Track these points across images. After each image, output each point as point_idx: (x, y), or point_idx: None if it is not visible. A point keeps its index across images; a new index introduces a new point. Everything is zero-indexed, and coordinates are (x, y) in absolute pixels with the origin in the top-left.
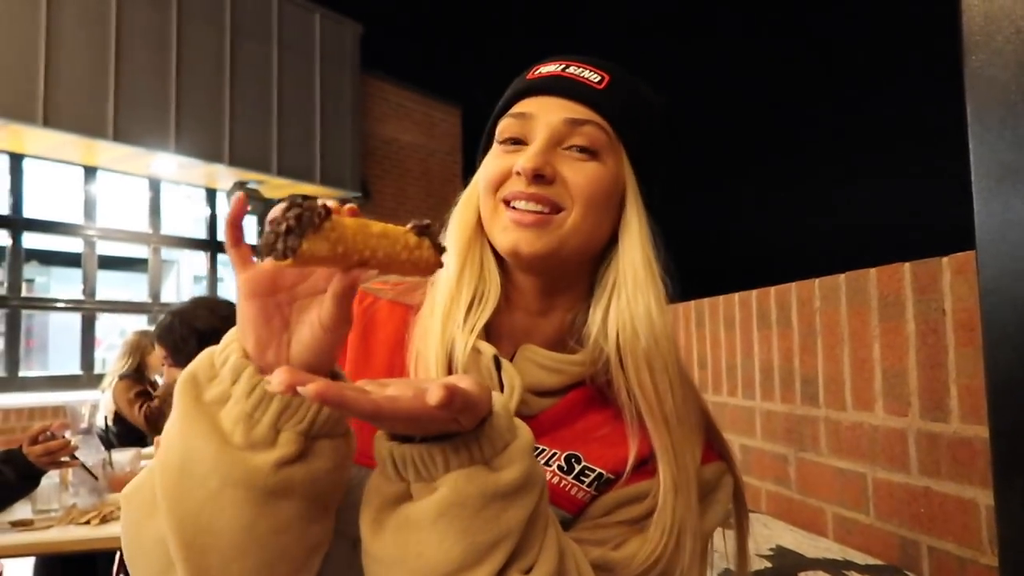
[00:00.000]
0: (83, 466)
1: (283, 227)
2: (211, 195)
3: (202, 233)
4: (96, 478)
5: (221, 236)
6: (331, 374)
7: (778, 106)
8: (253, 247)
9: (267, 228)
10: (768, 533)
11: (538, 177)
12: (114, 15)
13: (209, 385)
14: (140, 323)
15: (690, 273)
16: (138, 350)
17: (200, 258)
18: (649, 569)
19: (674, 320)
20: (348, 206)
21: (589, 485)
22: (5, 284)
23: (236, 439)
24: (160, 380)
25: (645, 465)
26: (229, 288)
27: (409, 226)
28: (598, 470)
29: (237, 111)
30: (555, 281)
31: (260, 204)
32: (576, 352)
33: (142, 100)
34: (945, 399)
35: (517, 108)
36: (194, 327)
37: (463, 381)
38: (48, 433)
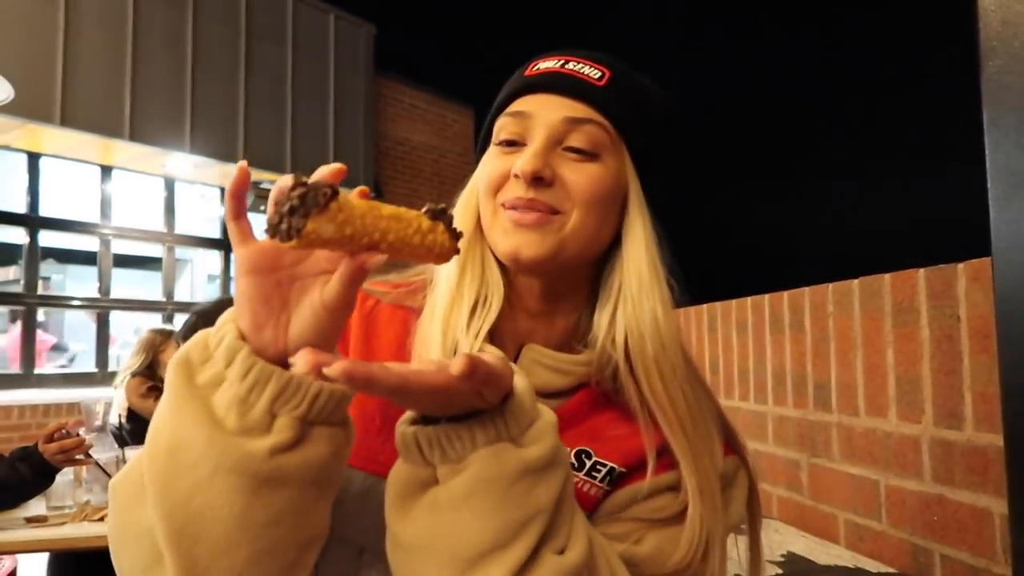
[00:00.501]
0: (97, 464)
1: (287, 207)
2: (225, 194)
3: (216, 232)
4: (110, 476)
5: None
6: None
7: (790, 111)
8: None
9: (270, 208)
10: (780, 539)
11: (537, 180)
12: (131, 16)
13: (202, 368)
14: (154, 321)
15: (703, 277)
16: (151, 348)
17: (214, 257)
18: (679, 574)
19: (686, 324)
20: (359, 188)
21: (602, 480)
22: (22, 282)
23: (229, 424)
24: None
25: (661, 457)
26: None
27: (423, 209)
28: (610, 464)
29: (251, 111)
30: (557, 284)
31: None
32: (581, 353)
33: (158, 100)
34: (959, 406)
35: (514, 107)
36: None
37: (487, 356)
38: (63, 431)
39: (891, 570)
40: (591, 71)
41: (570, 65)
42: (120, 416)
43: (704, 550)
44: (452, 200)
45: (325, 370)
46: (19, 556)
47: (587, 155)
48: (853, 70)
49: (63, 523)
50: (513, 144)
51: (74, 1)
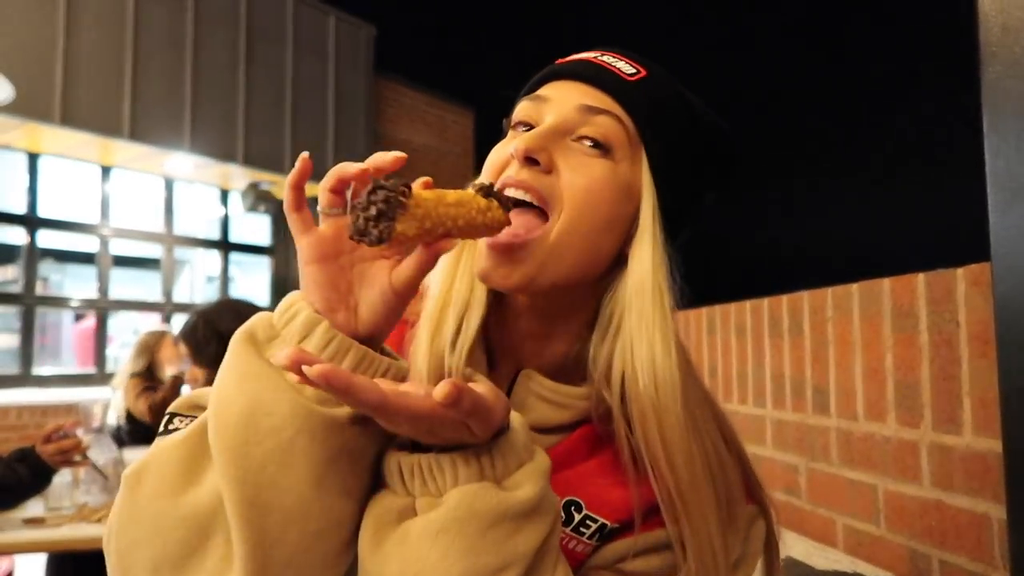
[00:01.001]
0: (94, 466)
1: (373, 211)
2: (224, 195)
3: (215, 233)
4: (106, 478)
5: (234, 236)
6: (382, 351)
7: (789, 115)
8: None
9: (354, 213)
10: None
11: (530, 161)
12: (131, 16)
13: (269, 344)
14: (153, 322)
15: (702, 280)
16: (148, 349)
17: (213, 257)
18: None
19: (685, 327)
20: (423, 179)
21: (591, 537)
22: (20, 282)
23: (308, 392)
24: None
25: (656, 515)
26: (241, 288)
27: (474, 189)
28: (600, 520)
29: (251, 112)
30: (552, 304)
31: (273, 204)
32: (583, 384)
33: (158, 100)
34: (958, 411)
35: (537, 92)
36: (217, 330)
37: (479, 386)
38: (61, 432)
39: (889, 575)
40: (625, 66)
41: (605, 57)
42: (118, 417)
43: None
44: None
45: (305, 369)
46: (16, 557)
47: (596, 148)
48: (852, 74)
49: (61, 524)
50: (525, 128)
51: (74, 1)
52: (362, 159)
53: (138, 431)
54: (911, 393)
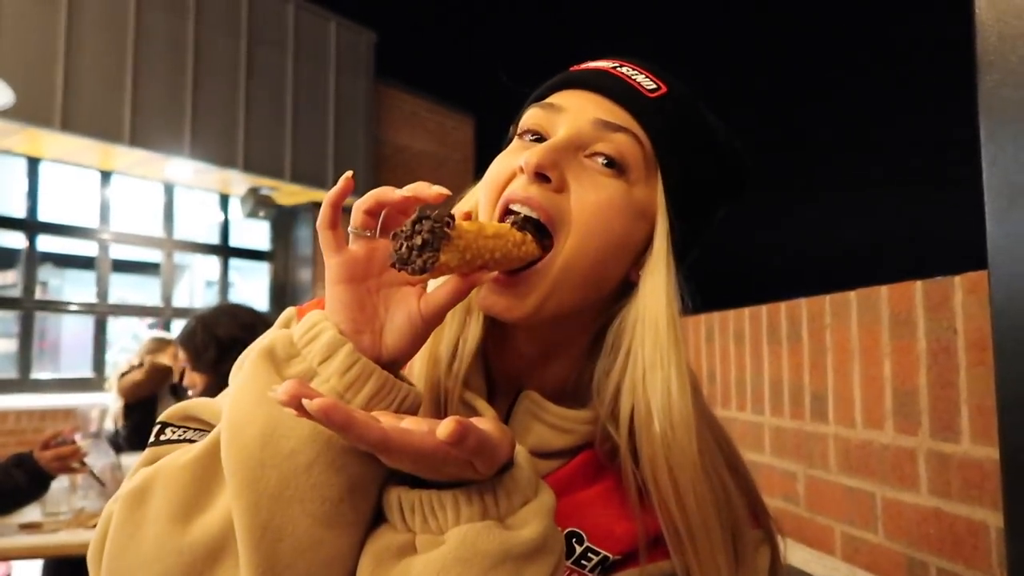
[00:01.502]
0: (92, 473)
1: (418, 240)
2: (224, 200)
3: (215, 238)
4: (103, 485)
5: (234, 241)
6: (399, 376)
7: (789, 122)
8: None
9: (397, 241)
10: None
11: (541, 177)
12: (132, 21)
13: (289, 363)
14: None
15: (701, 286)
16: (146, 352)
17: (213, 263)
18: None
19: (683, 334)
20: (465, 210)
21: (592, 570)
22: (19, 286)
23: None
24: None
25: (660, 545)
26: (240, 293)
27: (509, 222)
28: (603, 553)
29: (252, 117)
30: (554, 329)
31: (272, 210)
32: (586, 407)
33: (158, 105)
34: (956, 419)
35: (549, 99)
36: (215, 335)
37: (483, 423)
38: (60, 438)
39: None
40: (645, 80)
41: (624, 69)
42: (115, 420)
43: None
44: (451, 206)
45: (305, 403)
46: (13, 563)
47: (611, 167)
48: (850, 83)
49: (58, 529)
50: (535, 138)
51: (76, 6)
52: (362, 165)
53: (136, 435)
54: (909, 401)
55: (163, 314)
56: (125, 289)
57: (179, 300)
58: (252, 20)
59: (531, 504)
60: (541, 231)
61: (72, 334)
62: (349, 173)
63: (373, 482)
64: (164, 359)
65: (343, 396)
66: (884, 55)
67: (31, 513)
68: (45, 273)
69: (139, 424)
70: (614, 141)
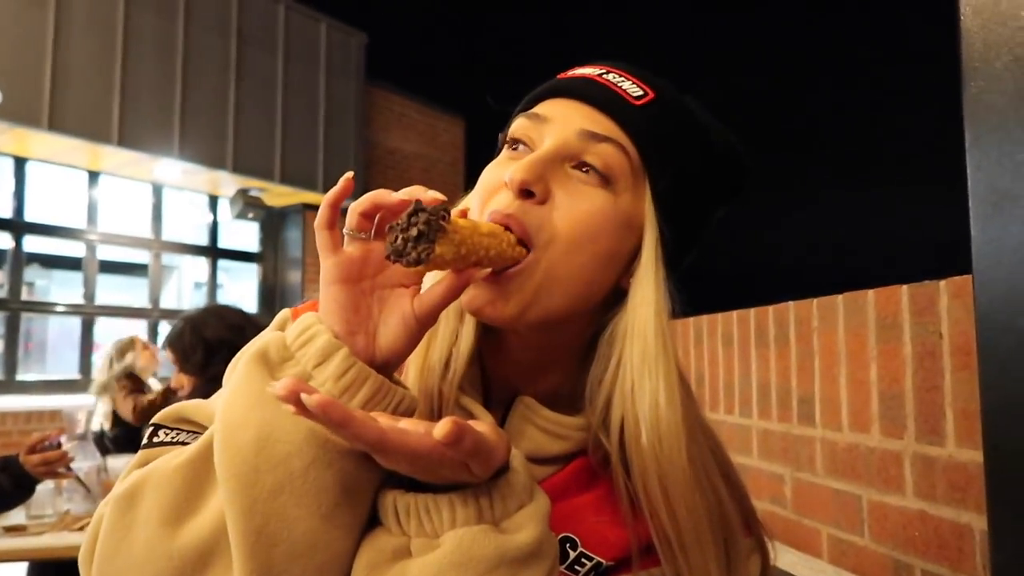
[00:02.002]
0: (77, 478)
1: (413, 232)
2: (213, 201)
3: (203, 239)
4: (88, 490)
5: (222, 243)
6: (393, 380)
7: (777, 125)
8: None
9: (392, 234)
10: None
11: (525, 193)
12: (121, 21)
13: (283, 366)
14: (139, 328)
15: (689, 290)
16: (123, 354)
17: (201, 264)
18: None
19: (672, 337)
20: (460, 208)
21: (585, 575)
22: (6, 287)
23: None
24: (153, 383)
25: (653, 552)
26: (229, 295)
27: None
28: (596, 559)
29: (241, 118)
30: (546, 335)
31: (261, 211)
32: (580, 413)
33: (147, 106)
34: (941, 422)
35: (535, 108)
36: (203, 336)
37: (480, 425)
38: (46, 443)
39: None
40: (632, 87)
41: (610, 76)
42: (103, 422)
43: None
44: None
45: (304, 398)
46: None
47: (597, 178)
48: (837, 88)
49: (42, 532)
50: (522, 146)
51: (64, 5)
52: (352, 166)
53: (123, 436)
54: (895, 404)
55: (151, 316)
56: (113, 290)
57: (167, 302)
58: (242, 21)
59: (526, 508)
60: None
61: (59, 335)
62: (350, 174)
63: (368, 486)
64: (140, 359)
65: (339, 399)
66: (870, 61)
67: (15, 516)
68: (32, 274)
69: (129, 428)
70: (599, 152)
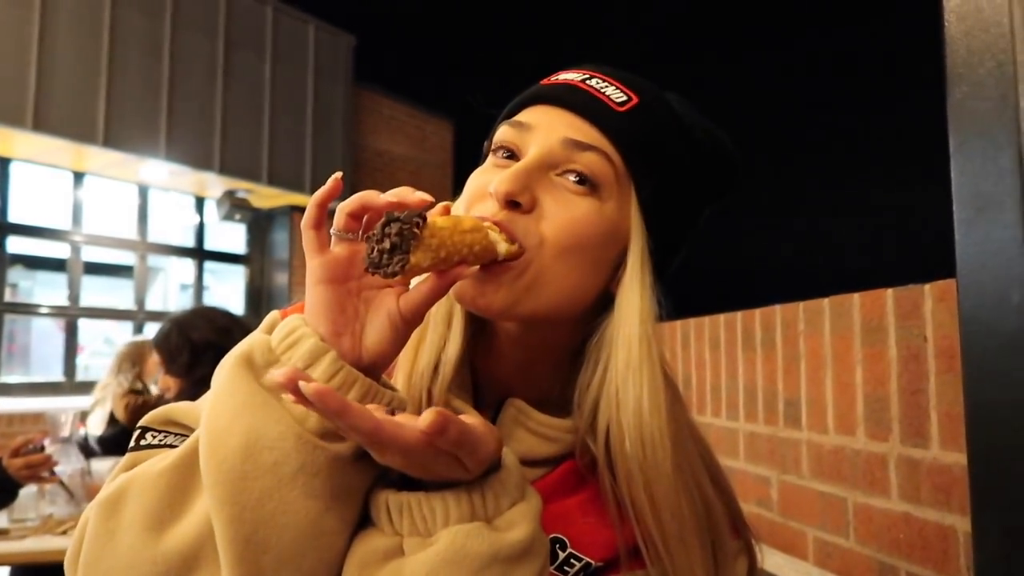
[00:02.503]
0: (61, 483)
1: (387, 243)
2: (200, 203)
3: (190, 241)
4: (72, 495)
5: (209, 244)
6: (381, 382)
7: (764, 130)
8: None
9: (369, 245)
10: None
11: (511, 204)
12: (108, 22)
13: (268, 370)
14: (125, 330)
15: (676, 293)
16: (130, 359)
17: (187, 266)
18: None
19: (659, 342)
20: (442, 204)
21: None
22: None
23: (310, 426)
24: (155, 389)
25: (640, 555)
26: (215, 296)
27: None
28: (585, 559)
29: (229, 120)
30: (535, 335)
31: (248, 213)
32: (569, 416)
33: (133, 107)
34: (925, 425)
35: (519, 116)
36: (189, 338)
37: (468, 417)
38: (29, 446)
39: None
40: (615, 92)
41: (593, 81)
42: (97, 427)
43: None
44: None
45: (301, 385)
46: None
47: (583, 186)
48: (823, 93)
49: (25, 536)
50: (508, 155)
51: (50, 4)
52: (340, 169)
53: (111, 438)
54: (880, 407)
55: (136, 317)
56: (97, 292)
57: (153, 303)
58: (230, 22)
59: (519, 506)
60: None
61: (42, 337)
62: (339, 175)
63: (357, 491)
64: (149, 363)
65: None
66: (856, 65)
67: None
68: (15, 275)
69: (123, 429)
70: (584, 160)
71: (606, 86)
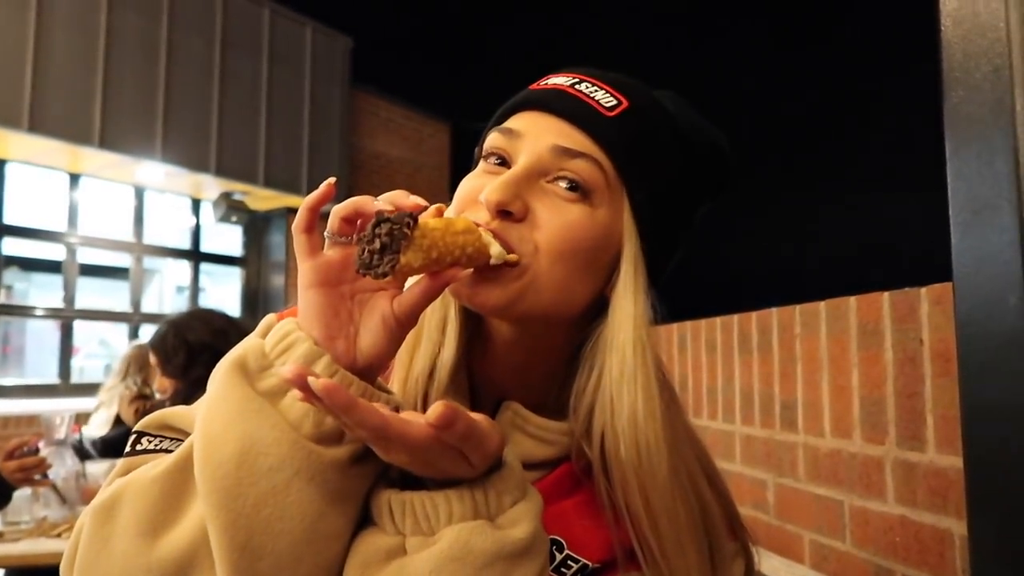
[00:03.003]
0: (54, 487)
1: (377, 244)
2: (196, 205)
3: (186, 243)
4: (64, 499)
5: (205, 246)
6: (377, 385)
7: (760, 134)
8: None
9: (360, 247)
10: None
11: (503, 213)
12: (103, 22)
13: (262, 375)
14: (120, 332)
15: (673, 296)
16: (137, 363)
17: (183, 268)
18: None
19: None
20: (436, 206)
21: None
22: None
23: (305, 431)
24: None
25: (635, 558)
26: (211, 299)
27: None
28: (582, 561)
29: (225, 122)
30: (531, 337)
31: (245, 215)
32: (565, 419)
33: (129, 108)
34: (921, 429)
35: (508, 122)
36: (185, 339)
37: (472, 414)
38: (24, 449)
39: None
40: (604, 97)
41: (582, 86)
42: (82, 432)
43: None
44: None
45: (310, 380)
46: None
47: (574, 192)
48: (819, 95)
49: (19, 539)
50: (499, 162)
51: (46, 5)
52: (337, 171)
53: (110, 442)
54: (876, 410)
55: (132, 320)
56: (93, 294)
57: (148, 306)
58: (226, 23)
59: (521, 504)
60: None
61: (38, 339)
62: (332, 180)
63: (354, 495)
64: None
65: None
66: (852, 69)
67: None
68: (10, 277)
69: (128, 431)
70: (574, 167)
71: (595, 90)
